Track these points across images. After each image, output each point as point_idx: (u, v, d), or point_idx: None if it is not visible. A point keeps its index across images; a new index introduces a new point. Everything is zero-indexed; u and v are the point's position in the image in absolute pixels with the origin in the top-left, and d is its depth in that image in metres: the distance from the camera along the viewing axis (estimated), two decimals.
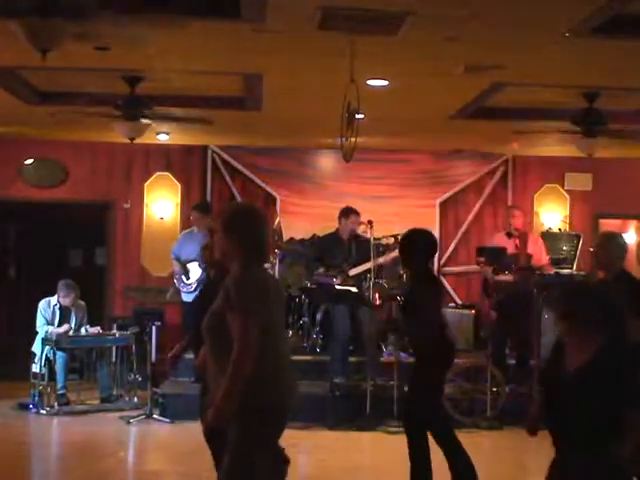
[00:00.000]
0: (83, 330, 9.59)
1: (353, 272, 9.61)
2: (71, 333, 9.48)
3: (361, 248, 9.67)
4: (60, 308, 9.58)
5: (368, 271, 9.39)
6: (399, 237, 10.30)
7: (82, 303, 9.79)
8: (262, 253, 4.08)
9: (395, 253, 9.53)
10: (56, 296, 9.60)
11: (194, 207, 10.33)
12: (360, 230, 10.03)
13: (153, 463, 7.93)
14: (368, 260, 9.32)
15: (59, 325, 9.52)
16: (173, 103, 8.67)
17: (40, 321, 9.54)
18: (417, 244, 6.09)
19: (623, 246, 5.83)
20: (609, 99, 8.03)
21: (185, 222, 11.29)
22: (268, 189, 11.91)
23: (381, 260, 9.66)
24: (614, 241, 5.88)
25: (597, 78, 7.53)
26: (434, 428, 5.88)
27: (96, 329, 9.70)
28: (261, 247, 4.06)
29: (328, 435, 8.33)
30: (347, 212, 9.86)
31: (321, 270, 9.69)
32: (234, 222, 4.05)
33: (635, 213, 12.42)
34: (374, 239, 9.37)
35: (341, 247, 9.77)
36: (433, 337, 5.90)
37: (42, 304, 9.60)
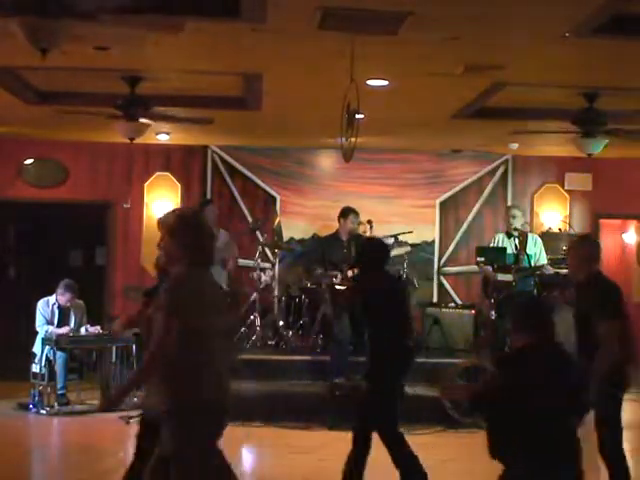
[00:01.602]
0: (83, 330, 9.58)
1: (351, 273, 9.60)
2: (71, 333, 9.48)
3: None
4: (59, 307, 9.57)
5: None
6: (399, 237, 10.39)
7: (81, 302, 9.76)
8: (205, 255, 4.36)
9: (394, 250, 9.55)
10: (54, 295, 9.59)
11: None
12: (360, 230, 10.04)
13: None
14: None
15: (58, 324, 9.50)
16: (173, 103, 8.67)
17: (40, 321, 9.53)
18: (369, 254, 6.29)
19: (594, 249, 5.83)
20: (609, 99, 8.03)
21: None
22: (268, 189, 11.92)
23: None
24: (584, 243, 5.96)
25: (597, 78, 7.53)
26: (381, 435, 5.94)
27: (96, 329, 9.69)
28: (203, 250, 4.34)
29: (328, 435, 8.32)
30: (346, 212, 9.87)
31: (320, 271, 9.68)
32: (178, 226, 4.35)
33: (635, 213, 12.43)
34: None
35: (341, 247, 9.77)
36: (381, 342, 6.03)
37: (41, 303, 9.58)
